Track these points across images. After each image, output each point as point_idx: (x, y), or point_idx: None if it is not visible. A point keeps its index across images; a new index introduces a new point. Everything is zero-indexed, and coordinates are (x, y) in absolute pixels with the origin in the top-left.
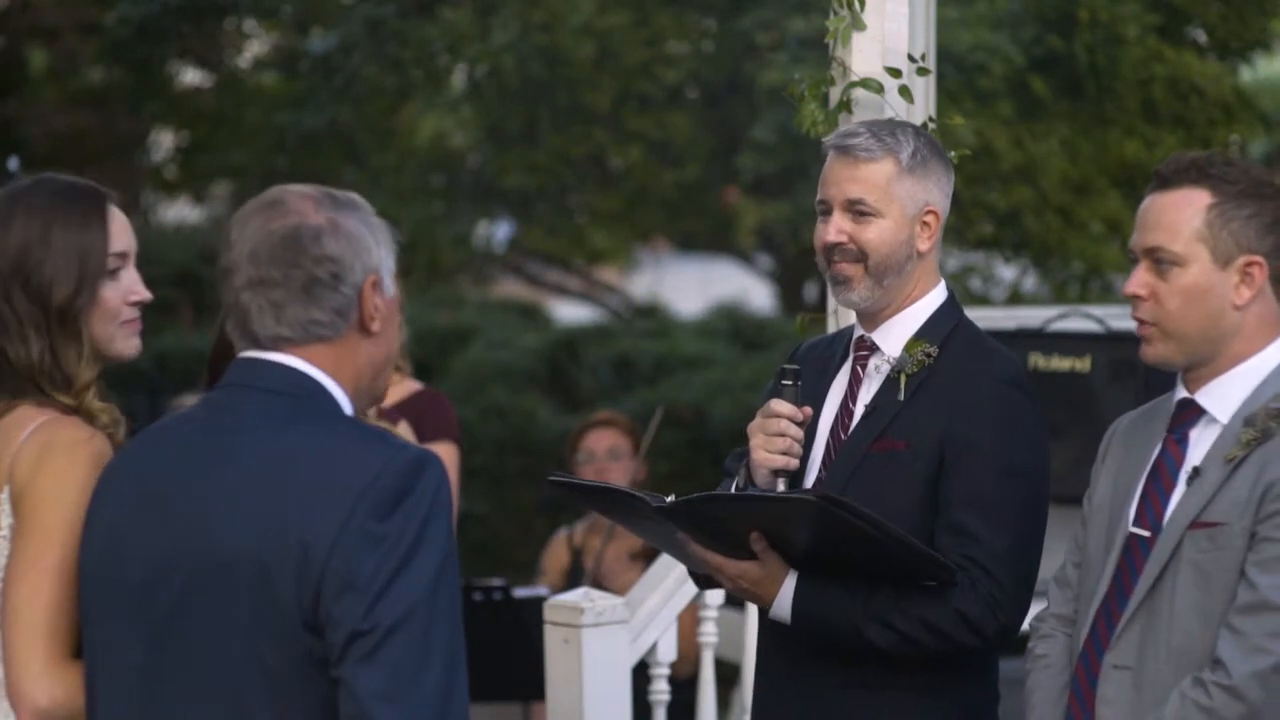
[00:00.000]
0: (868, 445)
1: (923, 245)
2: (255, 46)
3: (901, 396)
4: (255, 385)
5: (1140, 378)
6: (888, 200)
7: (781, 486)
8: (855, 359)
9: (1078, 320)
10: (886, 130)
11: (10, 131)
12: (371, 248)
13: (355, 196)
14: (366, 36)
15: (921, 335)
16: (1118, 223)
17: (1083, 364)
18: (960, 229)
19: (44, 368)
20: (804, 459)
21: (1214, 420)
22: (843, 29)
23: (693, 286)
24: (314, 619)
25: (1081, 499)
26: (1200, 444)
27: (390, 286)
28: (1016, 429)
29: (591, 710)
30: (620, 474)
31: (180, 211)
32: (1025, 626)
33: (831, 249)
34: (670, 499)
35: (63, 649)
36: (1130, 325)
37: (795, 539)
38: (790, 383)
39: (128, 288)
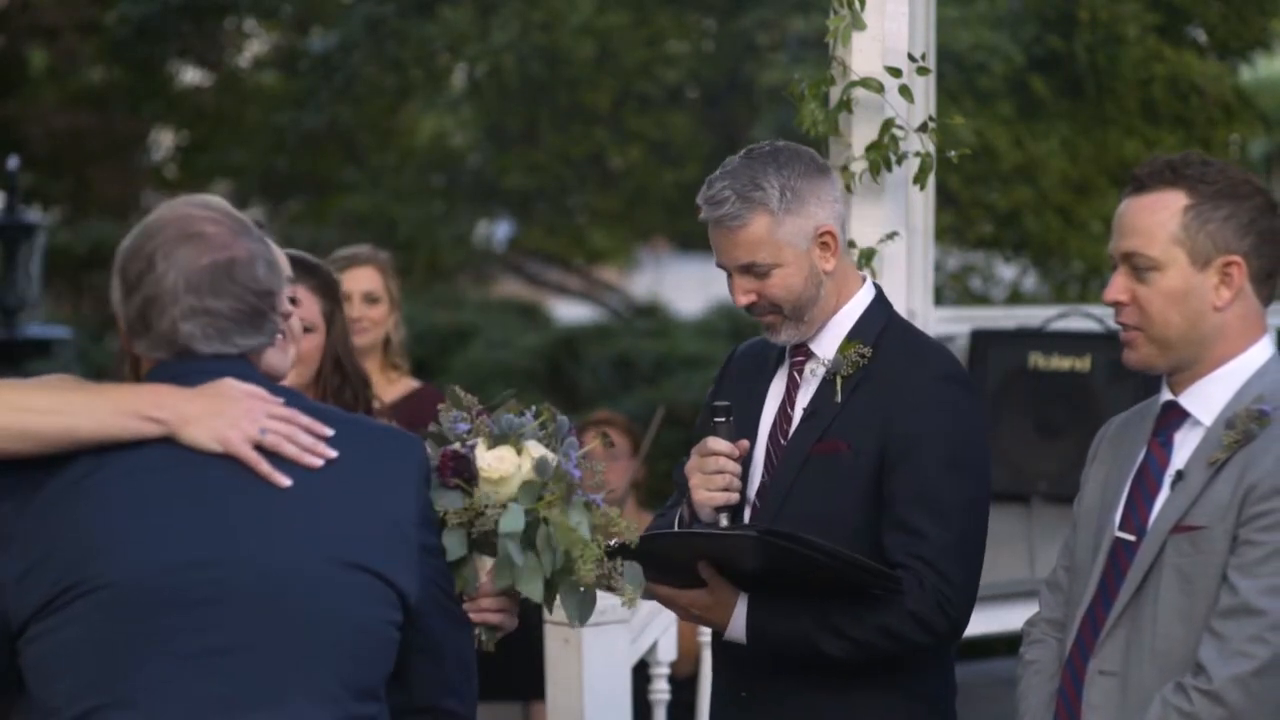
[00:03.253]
0: (809, 448)
1: (828, 265)
2: (255, 46)
3: (839, 398)
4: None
5: (1140, 377)
6: (776, 250)
7: (724, 521)
8: (791, 364)
9: (1077, 320)
10: (748, 182)
11: (10, 131)
12: (283, 271)
13: (245, 217)
14: (366, 36)
15: (854, 336)
16: None
17: (1082, 363)
18: (960, 229)
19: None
20: (746, 464)
21: (1198, 423)
22: (843, 28)
23: (692, 286)
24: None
25: None
26: (1184, 447)
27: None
28: (957, 424)
29: (591, 710)
30: (618, 474)
31: None
32: (1019, 627)
33: (749, 308)
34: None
35: None
36: None
37: (743, 568)
38: (723, 419)
39: None
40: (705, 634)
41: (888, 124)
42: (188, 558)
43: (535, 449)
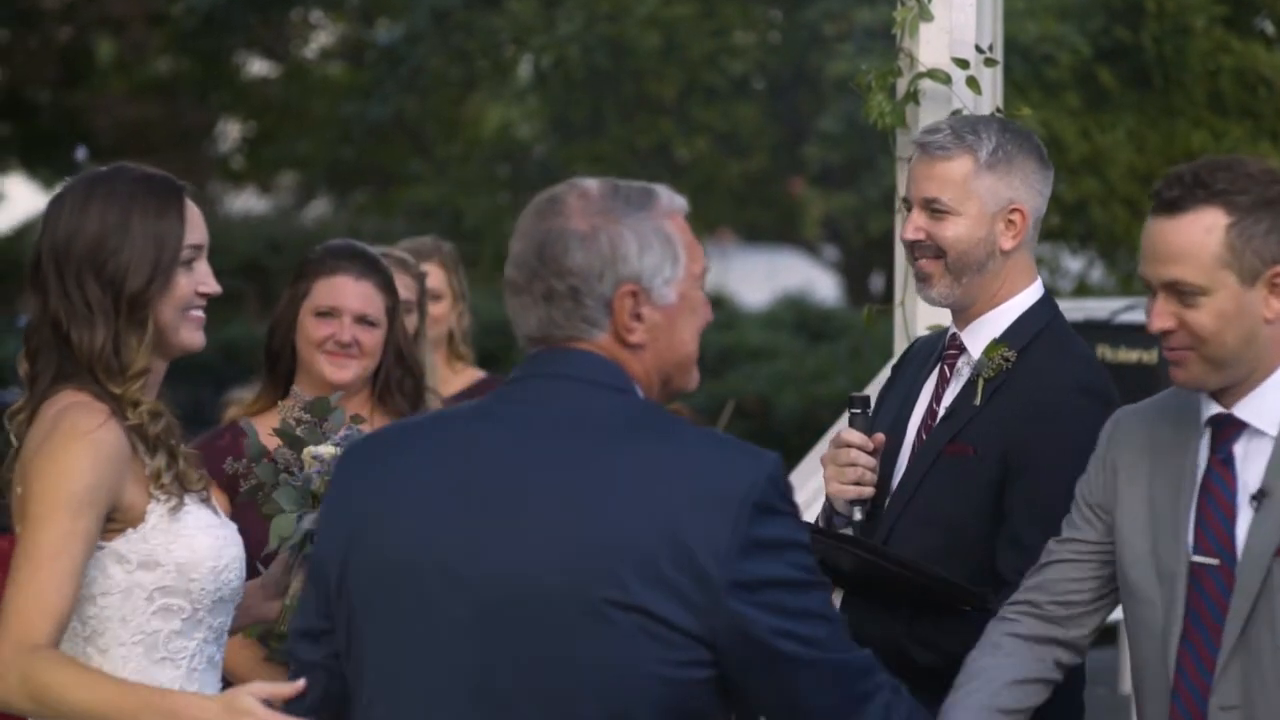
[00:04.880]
0: (941, 448)
1: (1006, 243)
2: (322, 37)
3: (977, 401)
4: (567, 375)
5: None
6: (964, 198)
7: (858, 515)
8: (944, 359)
9: (1145, 312)
10: (968, 127)
11: (78, 121)
12: (632, 256)
13: (654, 192)
14: (433, 27)
15: (1006, 337)
16: None
17: (1149, 356)
18: None
19: (104, 356)
20: (894, 456)
21: (1258, 433)
22: (910, 20)
23: (758, 277)
24: None
25: None
26: (1249, 460)
27: (667, 294)
28: (1085, 440)
29: None
30: None
31: (247, 202)
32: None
33: (912, 246)
34: None
35: (46, 635)
36: None
37: (835, 568)
38: (859, 411)
39: (199, 279)
40: None
41: (955, 115)
42: (405, 555)
43: None
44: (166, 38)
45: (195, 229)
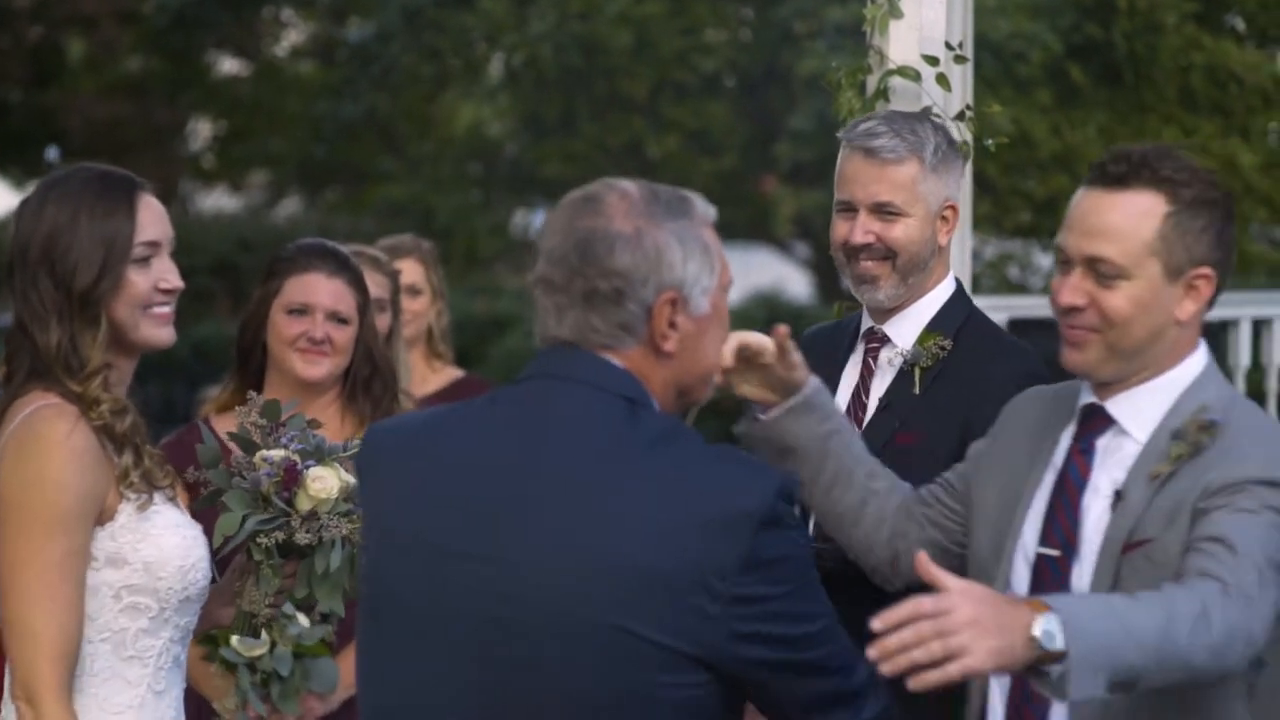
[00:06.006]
0: (885, 440)
1: (943, 239)
2: (293, 35)
3: (917, 390)
4: (579, 379)
5: None
6: (914, 200)
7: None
8: (866, 351)
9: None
10: (907, 128)
11: (49, 121)
12: (676, 263)
13: (690, 200)
14: (404, 25)
15: (933, 327)
16: None
17: None
18: (998, 217)
19: (61, 354)
20: None
21: (1124, 433)
22: (880, 17)
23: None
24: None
25: None
26: (1108, 456)
27: (702, 304)
28: None
29: None
30: None
31: (218, 200)
32: None
33: (858, 249)
34: None
35: (71, 670)
36: None
37: None
38: None
39: (159, 275)
40: None
41: (925, 112)
42: (411, 566)
43: (344, 475)
44: (137, 36)
45: (149, 226)
